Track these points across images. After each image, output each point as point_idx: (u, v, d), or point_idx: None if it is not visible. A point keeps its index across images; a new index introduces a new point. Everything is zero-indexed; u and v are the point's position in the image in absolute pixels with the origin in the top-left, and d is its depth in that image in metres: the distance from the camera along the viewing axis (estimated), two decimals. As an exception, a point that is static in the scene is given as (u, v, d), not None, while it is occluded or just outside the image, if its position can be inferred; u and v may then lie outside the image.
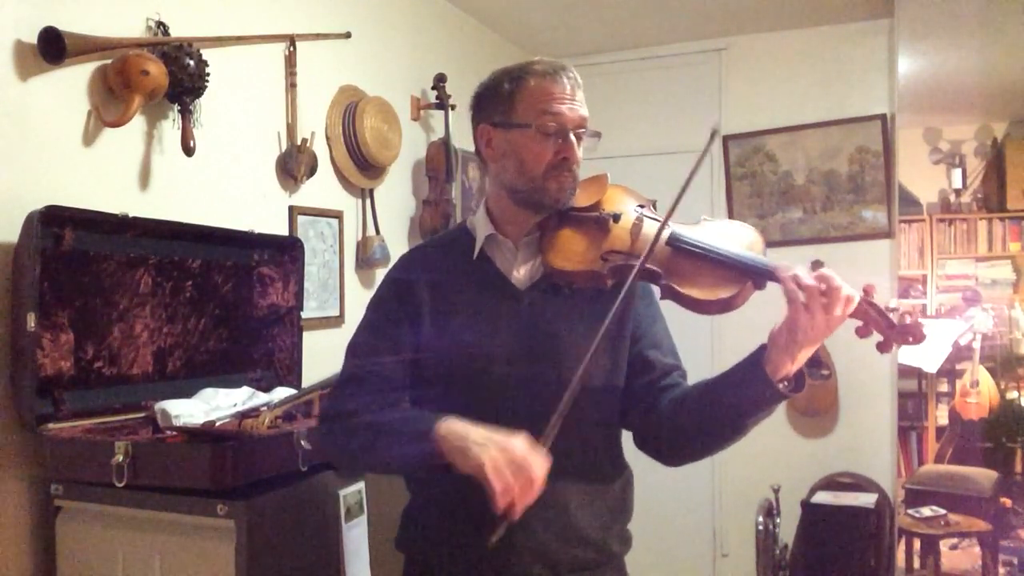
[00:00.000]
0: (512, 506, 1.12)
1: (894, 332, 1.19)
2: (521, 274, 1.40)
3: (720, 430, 1.29)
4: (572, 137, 1.34)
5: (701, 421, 1.30)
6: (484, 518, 1.33)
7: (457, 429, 1.19)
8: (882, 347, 1.21)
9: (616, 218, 1.36)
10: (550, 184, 1.34)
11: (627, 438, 1.46)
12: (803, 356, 1.20)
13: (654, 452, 1.40)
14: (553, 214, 1.37)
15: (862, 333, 1.22)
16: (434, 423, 1.20)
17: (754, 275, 1.25)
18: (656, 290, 1.34)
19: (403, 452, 1.24)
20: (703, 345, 3.65)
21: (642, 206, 1.39)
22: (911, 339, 1.19)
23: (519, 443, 1.14)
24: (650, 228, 1.32)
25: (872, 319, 1.20)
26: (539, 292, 1.38)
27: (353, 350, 1.42)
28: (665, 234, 1.31)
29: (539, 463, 1.14)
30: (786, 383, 1.22)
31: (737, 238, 1.31)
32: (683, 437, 1.34)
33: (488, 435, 1.16)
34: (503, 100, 1.37)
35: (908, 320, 1.19)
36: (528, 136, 1.34)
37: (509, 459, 1.12)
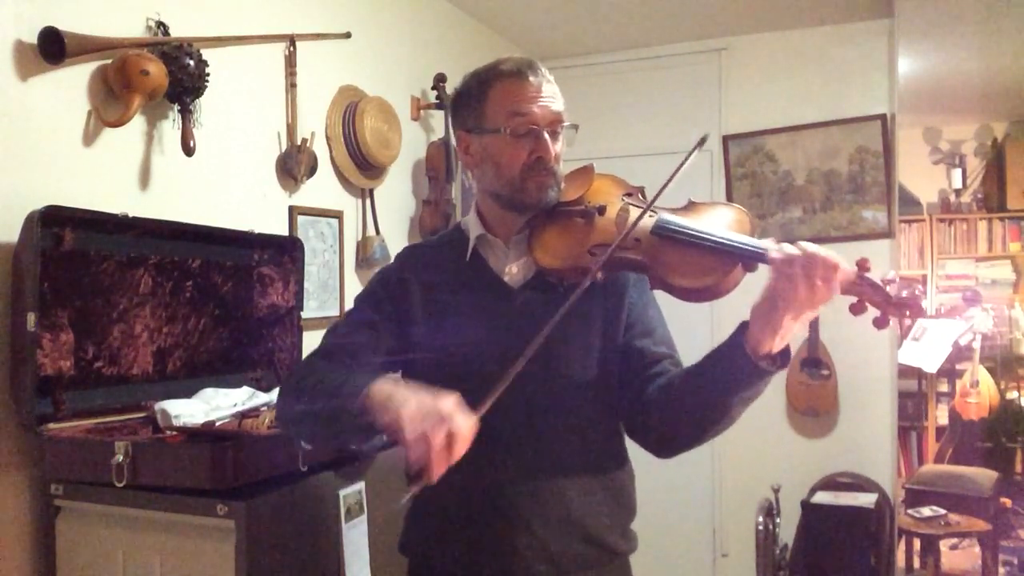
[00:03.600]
0: (428, 464, 1.04)
1: (891, 307, 1.15)
2: (514, 272, 1.40)
3: (706, 413, 1.26)
4: (546, 135, 1.33)
5: (686, 405, 1.27)
6: (485, 520, 1.34)
7: (386, 387, 1.15)
8: (879, 322, 1.17)
9: (601, 210, 1.34)
10: (529, 185, 1.33)
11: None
12: (786, 329, 1.16)
13: (643, 441, 1.38)
14: (540, 212, 1.36)
15: (856, 310, 1.17)
16: (370, 381, 1.16)
17: (742, 257, 1.22)
18: (647, 280, 1.33)
19: (336, 410, 1.20)
20: (701, 335, 3.62)
21: (629, 195, 1.37)
22: (908, 313, 1.14)
23: (446, 400, 1.08)
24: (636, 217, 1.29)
25: (866, 293, 1.15)
26: (531, 290, 1.38)
27: (331, 330, 1.41)
28: (650, 223, 1.29)
29: (464, 421, 1.07)
30: (769, 360, 1.18)
31: (724, 220, 1.29)
32: (670, 423, 1.31)
33: (414, 392, 1.12)
34: (473, 106, 1.37)
35: (904, 293, 1.14)
36: (501, 140, 1.33)
37: (429, 411, 1.07)
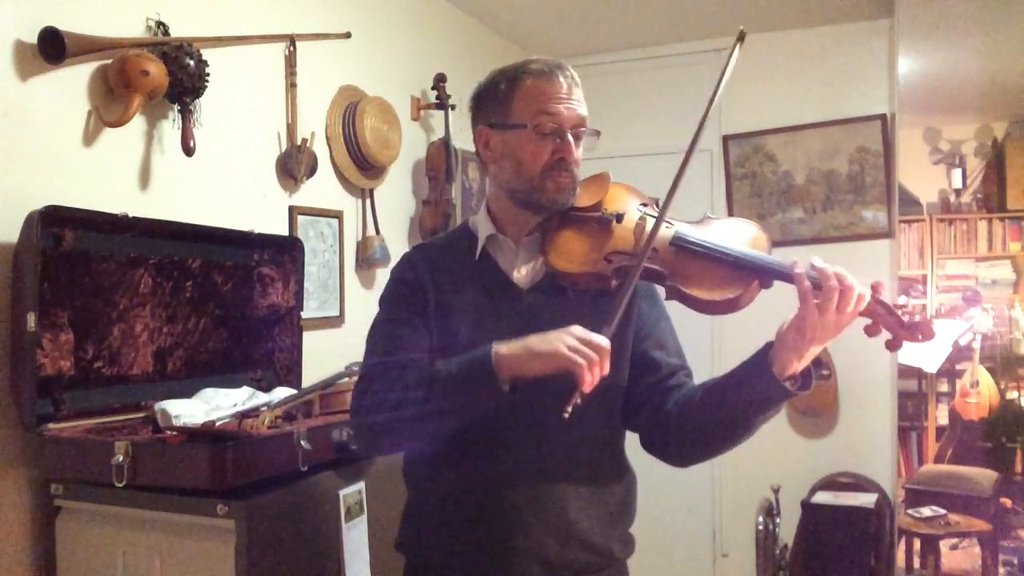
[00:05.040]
0: (589, 377, 1.15)
1: (904, 330, 1.18)
2: (523, 274, 1.39)
3: (729, 430, 1.28)
4: (569, 136, 1.33)
5: (709, 422, 1.29)
6: (483, 521, 1.34)
7: (511, 345, 1.20)
8: (891, 345, 1.20)
9: (619, 218, 1.34)
10: (548, 184, 1.33)
11: (631, 440, 1.45)
12: (811, 354, 1.19)
13: (662, 453, 1.39)
14: (554, 214, 1.36)
15: (871, 331, 1.20)
16: (488, 349, 1.21)
17: (760, 274, 1.24)
18: (661, 290, 1.34)
19: (466, 389, 1.22)
20: (704, 344, 3.65)
21: (645, 204, 1.37)
22: (921, 337, 1.17)
23: (577, 328, 1.18)
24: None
25: (882, 317, 1.18)
26: (541, 292, 1.37)
27: (375, 343, 1.39)
28: (669, 234, 1.29)
29: (603, 339, 1.17)
30: (793, 381, 1.20)
31: (742, 236, 1.30)
32: (691, 438, 1.33)
33: (544, 335, 1.19)
34: (500, 101, 1.37)
35: (918, 318, 1.17)
36: (525, 136, 1.33)
37: (576, 339, 1.16)
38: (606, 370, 1.16)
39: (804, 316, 1.16)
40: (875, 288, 1.18)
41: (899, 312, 1.18)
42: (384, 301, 1.44)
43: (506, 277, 1.39)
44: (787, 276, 1.21)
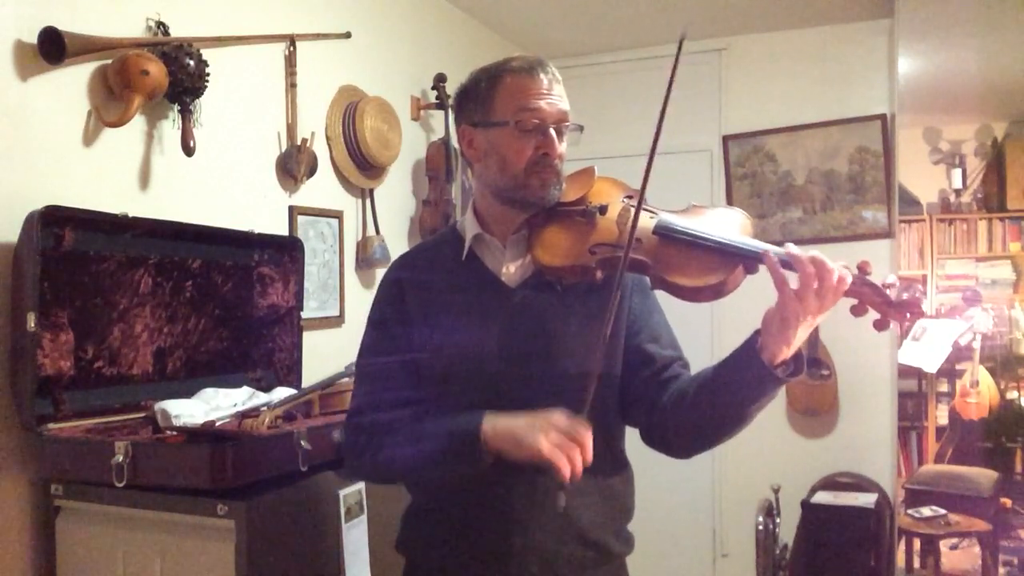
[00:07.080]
0: (573, 473, 1.15)
1: (891, 309, 1.16)
2: (511, 272, 1.39)
3: (724, 420, 1.27)
4: (552, 132, 1.33)
5: (705, 414, 1.29)
6: (481, 520, 1.34)
7: (500, 426, 1.22)
8: (879, 325, 1.18)
9: (602, 210, 1.34)
10: (533, 181, 1.33)
11: (630, 437, 1.45)
12: (799, 338, 1.18)
13: (661, 447, 1.38)
14: (541, 210, 1.36)
15: (858, 312, 1.19)
16: (477, 425, 1.23)
17: (744, 259, 1.23)
18: (647, 280, 1.34)
19: (450, 459, 1.27)
20: (703, 334, 3.65)
21: (630, 196, 1.37)
22: (909, 315, 1.16)
23: (560, 417, 1.18)
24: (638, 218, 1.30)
25: (867, 297, 1.17)
26: (530, 289, 1.37)
27: (361, 351, 1.45)
28: (652, 223, 1.29)
29: (583, 427, 1.17)
30: (784, 367, 1.19)
31: (726, 222, 1.29)
32: (688, 430, 1.32)
33: (531, 420, 1.19)
34: (481, 99, 1.37)
35: (905, 296, 1.15)
36: (508, 133, 1.33)
37: (559, 434, 1.16)
38: (588, 458, 1.16)
39: (784, 303, 1.15)
40: (861, 268, 1.17)
41: (886, 291, 1.16)
42: (371, 308, 1.47)
43: (494, 276, 1.39)
44: (767, 265, 1.19)
